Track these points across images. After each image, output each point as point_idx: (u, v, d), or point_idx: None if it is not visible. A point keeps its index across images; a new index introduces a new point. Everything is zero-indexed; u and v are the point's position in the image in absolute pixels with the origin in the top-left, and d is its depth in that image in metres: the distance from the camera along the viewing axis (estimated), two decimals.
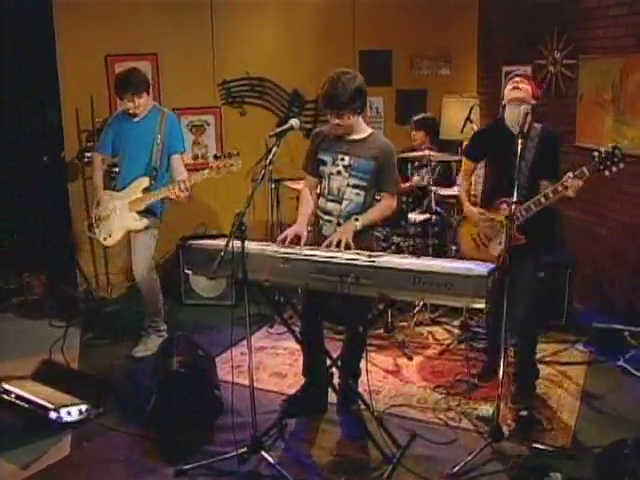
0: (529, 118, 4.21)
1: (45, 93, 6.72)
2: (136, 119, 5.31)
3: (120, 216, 5.30)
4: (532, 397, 4.58)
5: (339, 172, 4.24)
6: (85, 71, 6.55)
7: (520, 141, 4.05)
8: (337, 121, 4.13)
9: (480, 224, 4.57)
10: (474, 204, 4.71)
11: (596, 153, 3.99)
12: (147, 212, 5.26)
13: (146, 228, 5.28)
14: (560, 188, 4.06)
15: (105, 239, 5.43)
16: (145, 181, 5.23)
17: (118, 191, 5.37)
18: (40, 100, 6.75)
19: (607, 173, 3.98)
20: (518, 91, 4.34)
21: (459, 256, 4.77)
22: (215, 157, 4.95)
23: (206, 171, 4.94)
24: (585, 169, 4.00)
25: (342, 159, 4.23)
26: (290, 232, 4.19)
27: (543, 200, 4.16)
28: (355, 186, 4.22)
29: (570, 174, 4.02)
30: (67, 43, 6.53)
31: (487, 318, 4.95)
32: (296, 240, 4.14)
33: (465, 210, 4.72)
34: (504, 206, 4.33)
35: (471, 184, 4.90)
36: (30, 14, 6.49)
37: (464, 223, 4.76)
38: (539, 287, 4.57)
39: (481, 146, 4.70)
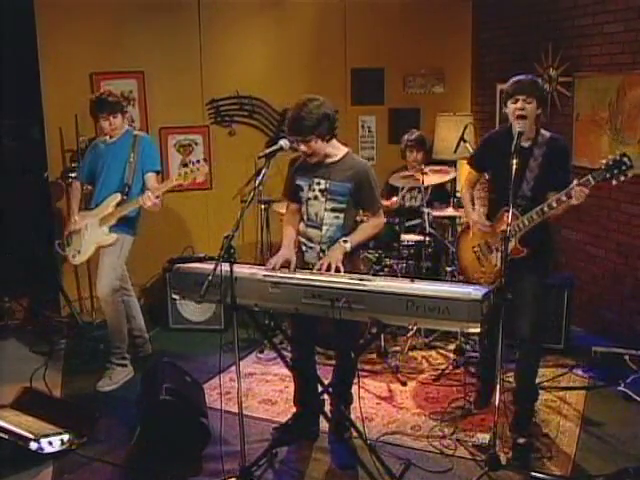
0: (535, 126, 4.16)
1: (29, 112, 6.66)
2: (110, 141, 5.35)
3: (90, 233, 5.31)
4: (530, 424, 4.47)
5: (316, 197, 4.20)
6: (69, 89, 6.47)
7: (515, 158, 3.95)
8: (303, 147, 4.06)
9: (483, 234, 4.43)
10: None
11: (603, 161, 3.86)
12: (121, 225, 5.24)
13: (116, 242, 5.24)
14: (564, 197, 3.92)
15: (74, 256, 5.44)
16: (117, 197, 5.23)
17: (91, 210, 5.37)
18: (23, 119, 6.67)
19: (614, 182, 3.84)
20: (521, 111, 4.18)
21: (458, 271, 4.65)
22: (184, 165, 5.18)
23: (174, 177, 5.01)
24: (591, 177, 3.84)
25: (318, 183, 4.18)
26: (279, 259, 4.10)
27: (546, 209, 4.02)
28: (333, 210, 4.17)
29: (575, 182, 3.89)
30: (51, 60, 6.45)
31: (483, 340, 4.83)
32: (286, 265, 4.09)
33: (468, 216, 4.59)
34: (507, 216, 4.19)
35: (474, 190, 4.69)
36: (13, 31, 6.44)
37: (465, 235, 4.66)
38: (544, 303, 4.41)
39: (489, 154, 4.46)
